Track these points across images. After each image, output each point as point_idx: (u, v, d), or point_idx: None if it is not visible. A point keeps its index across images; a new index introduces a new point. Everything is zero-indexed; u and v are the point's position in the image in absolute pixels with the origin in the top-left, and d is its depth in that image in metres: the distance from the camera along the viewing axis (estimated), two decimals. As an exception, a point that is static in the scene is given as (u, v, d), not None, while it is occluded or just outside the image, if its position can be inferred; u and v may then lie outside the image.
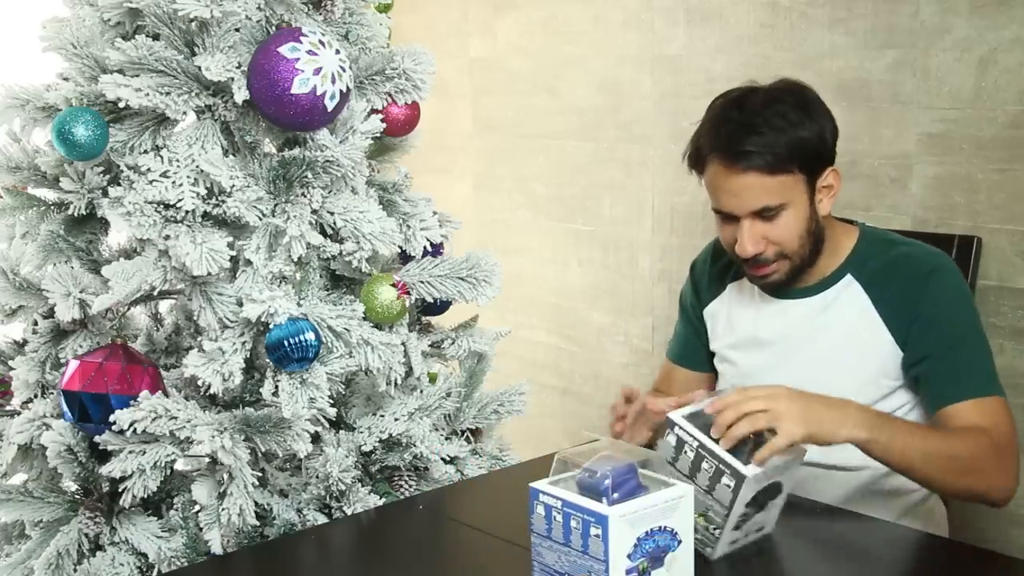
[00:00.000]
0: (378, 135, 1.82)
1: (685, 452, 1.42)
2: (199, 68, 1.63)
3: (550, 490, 1.31)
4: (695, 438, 1.41)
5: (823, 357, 1.71)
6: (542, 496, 1.32)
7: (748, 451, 1.39)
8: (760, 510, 1.43)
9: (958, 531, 2.02)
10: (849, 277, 1.72)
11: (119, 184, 1.68)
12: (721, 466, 1.39)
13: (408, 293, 1.82)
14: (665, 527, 1.30)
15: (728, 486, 1.37)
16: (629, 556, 1.26)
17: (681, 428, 1.43)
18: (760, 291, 1.80)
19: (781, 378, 1.67)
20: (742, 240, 1.66)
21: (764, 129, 1.61)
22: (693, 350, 1.95)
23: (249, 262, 1.69)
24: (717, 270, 1.90)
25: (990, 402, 1.59)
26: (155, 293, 1.75)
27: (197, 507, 1.72)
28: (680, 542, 1.31)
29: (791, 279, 1.72)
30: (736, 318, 1.84)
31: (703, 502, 1.40)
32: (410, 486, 1.88)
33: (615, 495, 1.28)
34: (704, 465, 1.40)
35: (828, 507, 1.64)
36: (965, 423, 1.57)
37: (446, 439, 1.93)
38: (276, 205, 1.70)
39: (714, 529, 1.41)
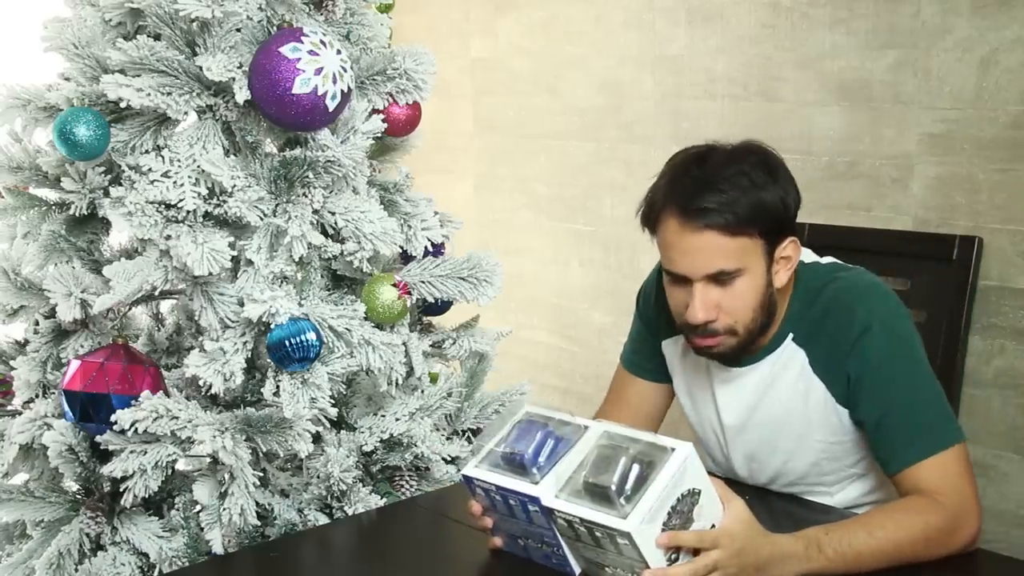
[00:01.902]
0: (379, 135, 1.82)
1: (577, 528, 1.36)
2: (200, 68, 1.63)
3: (481, 476, 1.41)
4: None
5: (775, 422, 1.64)
6: (475, 483, 1.43)
7: (625, 491, 1.33)
8: (687, 526, 1.34)
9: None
10: (789, 338, 1.62)
11: (120, 184, 1.68)
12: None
13: (409, 293, 1.82)
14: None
15: (627, 544, 1.30)
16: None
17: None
18: (706, 366, 1.70)
19: (739, 441, 1.70)
20: (694, 306, 1.53)
21: (725, 187, 1.50)
22: (649, 360, 1.82)
23: (250, 262, 1.69)
24: (667, 311, 1.72)
25: (939, 459, 1.50)
26: (156, 293, 1.75)
27: (198, 507, 1.72)
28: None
29: (736, 353, 1.60)
30: (690, 369, 1.74)
31: (628, 563, 1.34)
32: (411, 486, 1.88)
33: (541, 465, 1.36)
34: (598, 534, 1.33)
35: (827, 507, 1.64)
36: (911, 487, 1.50)
37: (447, 439, 1.93)
38: (277, 205, 1.71)
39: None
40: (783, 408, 1.63)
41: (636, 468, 1.31)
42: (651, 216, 1.58)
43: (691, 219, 1.51)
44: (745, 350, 1.61)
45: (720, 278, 1.53)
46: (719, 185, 1.50)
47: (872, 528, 1.42)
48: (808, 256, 1.68)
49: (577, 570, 1.40)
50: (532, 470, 1.37)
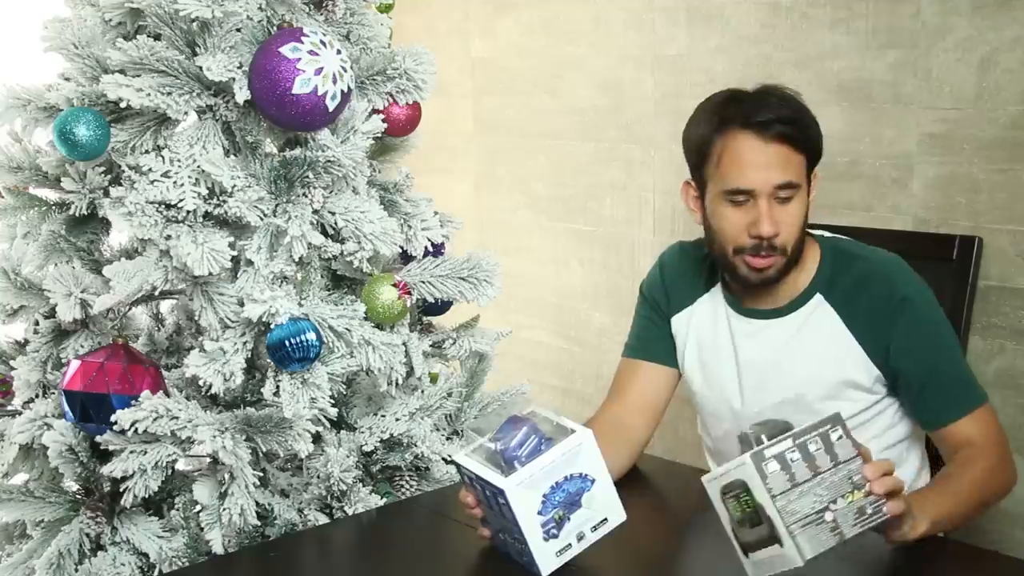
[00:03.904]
0: (379, 135, 1.82)
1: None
2: (200, 68, 1.63)
3: (466, 463, 1.44)
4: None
5: (802, 376, 1.70)
6: (463, 470, 1.46)
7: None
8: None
9: (958, 531, 2.02)
10: (819, 296, 1.70)
11: (120, 184, 1.68)
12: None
13: (409, 293, 1.82)
14: (572, 474, 1.41)
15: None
16: (539, 512, 1.38)
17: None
18: (731, 310, 1.77)
19: (761, 399, 1.73)
20: (762, 220, 1.62)
21: (789, 101, 1.64)
22: (657, 342, 1.85)
23: (250, 262, 1.69)
24: (688, 278, 1.83)
25: (978, 414, 1.64)
26: (156, 293, 1.75)
27: (198, 507, 1.72)
28: (593, 480, 1.42)
29: (779, 277, 1.69)
30: (706, 335, 1.79)
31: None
32: (411, 486, 1.88)
33: (521, 459, 1.39)
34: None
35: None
36: (962, 440, 1.63)
37: (447, 439, 1.93)
38: (277, 205, 1.71)
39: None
40: (814, 364, 1.69)
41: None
42: (710, 140, 1.66)
43: (763, 131, 1.61)
44: (785, 275, 1.68)
45: (782, 195, 1.62)
46: (787, 104, 1.63)
47: (957, 486, 1.55)
48: (827, 233, 1.78)
49: (545, 571, 1.42)
50: (512, 464, 1.40)
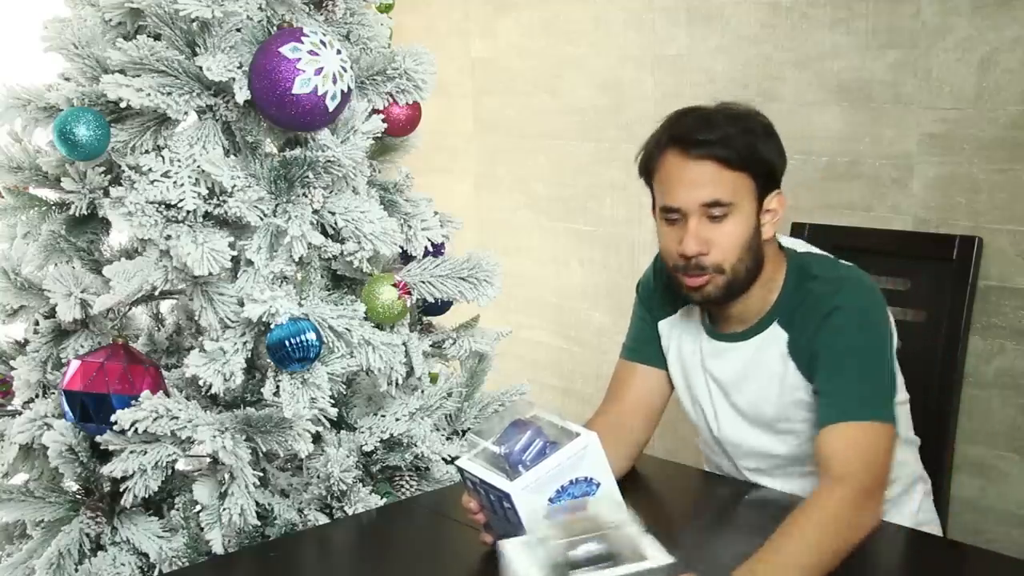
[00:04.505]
0: (379, 135, 1.82)
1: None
2: (200, 68, 1.63)
3: (469, 467, 1.43)
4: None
5: (757, 398, 1.70)
6: (466, 474, 1.45)
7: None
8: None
9: (958, 531, 2.02)
10: (775, 323, 1.67)
11: (120, 184, 1.68)
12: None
13: (409, 293, 1.82)
14: (577, 478, 1.40)
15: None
16: (546, 517, 1.35)
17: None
18: (702, 328, 1.76)
19: (727, 410, 1.74)
20: (687, 238, 1.60)
21: (724, 124, 1.60)
22: (651, 345, 1.84)
23: (250, 262, 1.69)
24: (664, 290, 1.81)
25: (860, 427, 1.53)
26: (156, 293, 1.75)
27: (198, 507, 1.72)
28: (598, 484, 1.42)
29: (723, 296, 1.66)
30: (685, 346, 1.79)
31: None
32: (411, 486, 1.88)
33: (525, 462, 1.39)
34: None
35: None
36: (828, 452, 1.53)
37: (447, 439, 1.93)
38: (277, 205, 1.71)
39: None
40: (767, 385, 1.68)
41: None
42: (650, 157, 1.66)
43: (691, 149, 1.60)
44: (733, 295, 1.65)
45: (714, 211, 1.59)
46: (721, 123, 1.60)
47: (797, 533, 1.42)
48: (802, 246, 1.73)
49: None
50: (516, 468, 1.39)
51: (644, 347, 1.83)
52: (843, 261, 1.70)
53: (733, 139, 1.59)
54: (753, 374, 1.69)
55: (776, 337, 1.66)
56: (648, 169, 1.67)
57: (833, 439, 1.53)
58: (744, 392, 1.71)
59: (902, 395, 1.75)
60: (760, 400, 1.69)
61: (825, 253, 1.73)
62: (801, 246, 1.73)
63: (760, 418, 1.70)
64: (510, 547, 1.31)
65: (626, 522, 1.31)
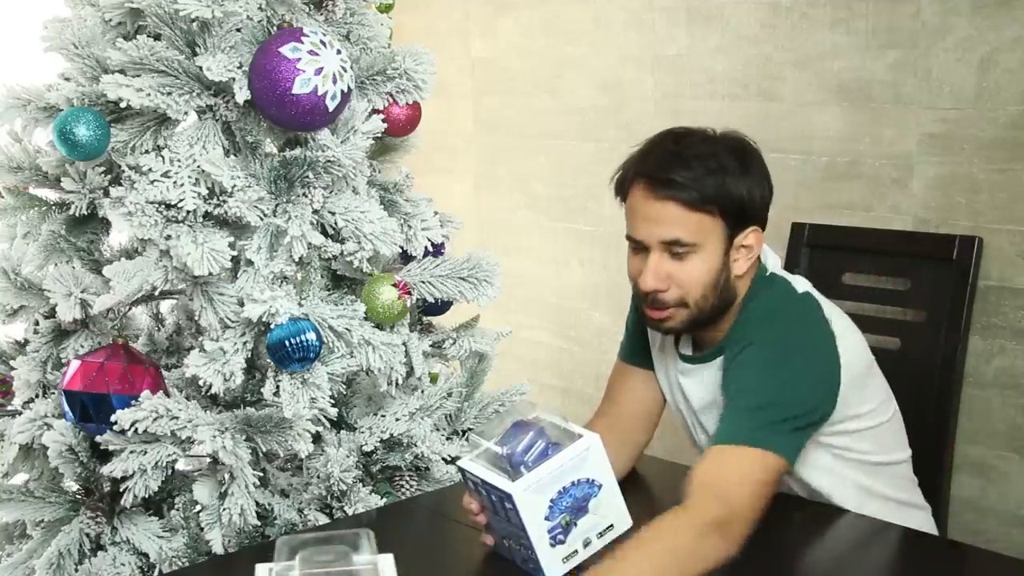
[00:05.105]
0: (379, 135, 1.82)
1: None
2: (200, 68, 1.63)
3: (471, 468, 1.43)
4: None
5: (709, 422, 1.69)
6: (467, 475, 1.45)
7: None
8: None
9: (958, 531, 2.02)
10: (725, 350, 1.66)
11: (120, 184, 1.68)
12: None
13: (409, 293, 1.82)
14: (579, 480, 1.41)
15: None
16: (547, 518, 1.38)
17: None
18: (674, 348, 1.75)
19: (700, 428, 1.73)
20: (646, 273, 1.59)
21: (693, 164, 1.56)
22: (644, 350, 1.83)
23: (250, 262, 1.69)
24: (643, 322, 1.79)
25: (745, 454, 1.49)
26: (156, 293, 1.75)
27: (198, 507, 1.72)
28: (600, 486, 1.43)
29: (688, 329, 1.66)
30: (665, 360, 1.78)
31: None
32: (411, 486, 1.88)
33: (527, 463, 1.39)
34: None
35: (827, 507, 1.64)
36: (697, 474, 1.48)
37: (447, 439, 1.93)
38: (277, 205, 1.71)
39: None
40: (711, 404, 1.67)
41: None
42: (623, 183, 1.64)
43: (656, 188, 1.57)
44: (698, 327, 1.65)
45: (675, 249, 1.58)
46: (688, 162, 1.57)
47: (640, 550, 1.38)
48: (802, 284, 1.68)
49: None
50: (518, 468, 1.39)
51: (637, 348, 1.83)
52: (810, 293, 1.65)
53: (700, 180, 1.56)
54: (717, 398, 1.67)
55: (720, 364, 1.66)
56: (620, 192, 1.65)
57: (705, 461, 1.50)
58: (708, 414, 1.69)
59: (902, 454, 1.75)
60: (712, 423, 1.66)
61: (801, 289, 1.67)
62: (801, 283, 1.67)
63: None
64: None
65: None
